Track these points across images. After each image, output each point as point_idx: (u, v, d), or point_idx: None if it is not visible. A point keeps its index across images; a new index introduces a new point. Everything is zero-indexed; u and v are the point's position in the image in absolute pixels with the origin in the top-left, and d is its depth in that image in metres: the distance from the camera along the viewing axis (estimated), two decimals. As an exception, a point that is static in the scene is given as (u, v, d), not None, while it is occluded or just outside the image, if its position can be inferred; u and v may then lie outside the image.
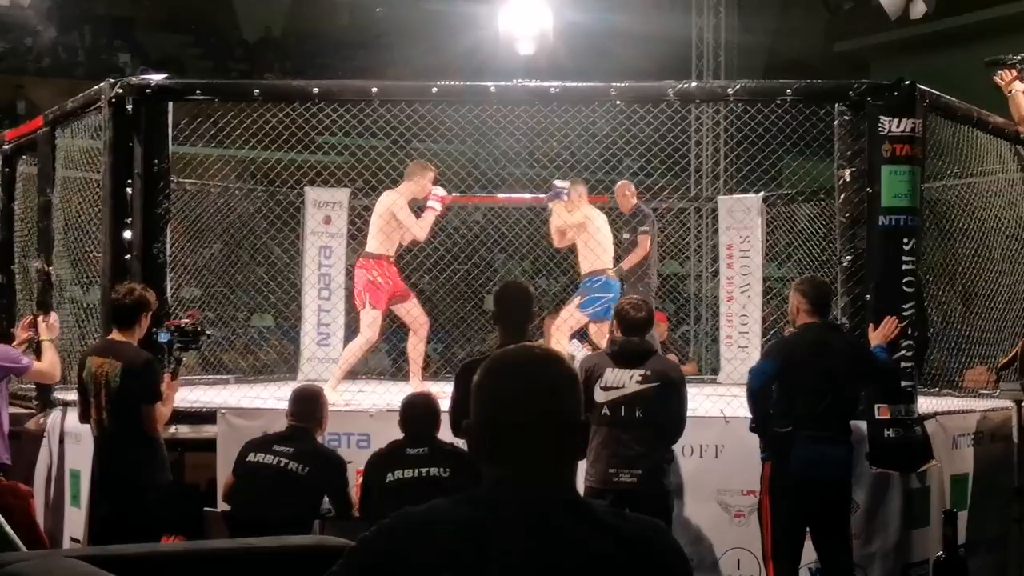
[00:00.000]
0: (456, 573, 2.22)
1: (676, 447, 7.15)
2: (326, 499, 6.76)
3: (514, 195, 12.53)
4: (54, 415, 8.39)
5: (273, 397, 8.51)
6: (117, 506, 6.74)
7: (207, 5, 24.79)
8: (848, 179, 7.56)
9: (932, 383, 9.04)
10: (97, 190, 8.40)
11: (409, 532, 2.29)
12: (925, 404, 7.73)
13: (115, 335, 6.89)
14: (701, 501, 7.45)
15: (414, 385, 8.95)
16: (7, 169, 9.80)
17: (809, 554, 6.76)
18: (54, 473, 8.30)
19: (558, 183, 9.98)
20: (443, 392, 6.81)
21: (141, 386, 6.68)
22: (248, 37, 25.25)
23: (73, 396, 7.41)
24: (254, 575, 3.34)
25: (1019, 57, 8.65)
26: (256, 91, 8.79)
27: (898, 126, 7.36)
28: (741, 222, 11.66)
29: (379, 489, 6.34)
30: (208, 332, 7.62)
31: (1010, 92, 8.52)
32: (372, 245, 9.38)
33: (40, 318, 8.28)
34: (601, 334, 9.55)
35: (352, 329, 10.75)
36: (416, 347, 9.52)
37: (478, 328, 11.94)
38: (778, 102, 8.30)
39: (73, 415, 7.55)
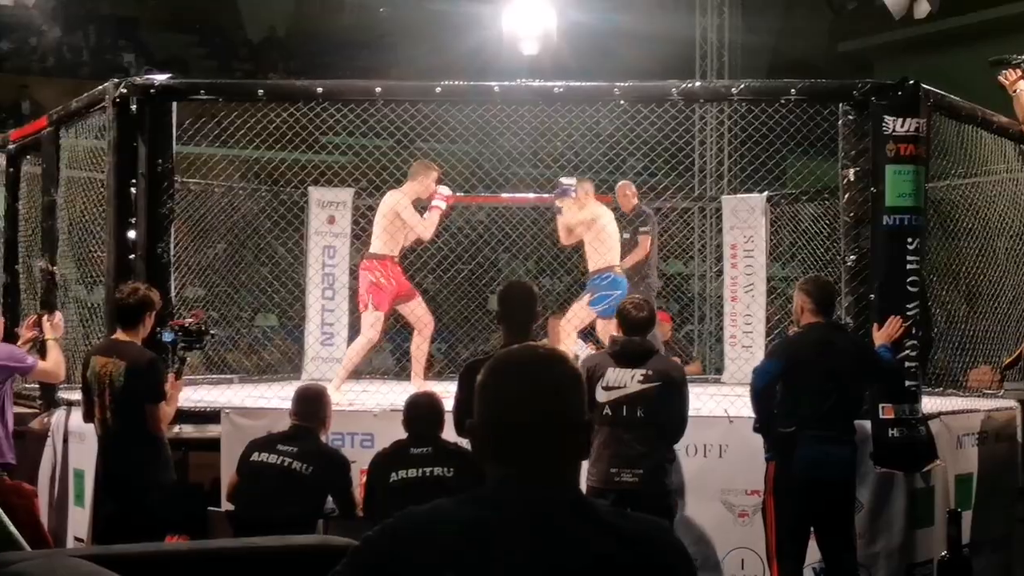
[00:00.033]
0: (460, 573, 2.22)
1: (680, 447, 7.15)
2: (330, 499, 6.77)
3: (518, 195, 12.52)
4: (58, 414, 8.39)
5: (277, 397, 8.52)
6: (121, 505, 6.74)
7: (211, 5, 24.80)
8: (852, 179, 7.56)
9: (936, 383, 9.03)
10: (101, 190, 8.40)
11: (413, 532, 2.28)
12: (929, 404, 7.72)
13: (119, 335, 6.89)
14: (705, 501, 7.45)
15: (417, 385, 8.95)
16: (11, 169, 9.81)
17: (813, 554, 6.75)
18: (58, 472, 8.31)
19: (565, 180, 9.97)
20: (447, 392, 6.80)
21: (145, 386, 6.68)
22: (252, 37, 25.26)
23: (77, 395, 7.42)
24: (258, 575, 3.33)
25: (1023, 57, 8.64)
26: (260, 91, 8.79)
27: (902, 126, 7.36)
28: (745, 222, 11.65)
29: (383, 489, 6.34)
30: (212, 332, 7.62)
31: (1014, 92, 8.49)
32: (376, 245, 9.37)
33: (44, 317, 8.29)
34: (608, 332, 9.55)
35: (356, 329, 10.75)
36: (420, 347, 9.52)
37: (482, 328, 11.94)
38: (782, 102, 8.31)
39: (77, 414, 7.56)
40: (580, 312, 9.96)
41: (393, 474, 6.35)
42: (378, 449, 6.82)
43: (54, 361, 8.00)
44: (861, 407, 7.00)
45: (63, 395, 8.47)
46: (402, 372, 10.72)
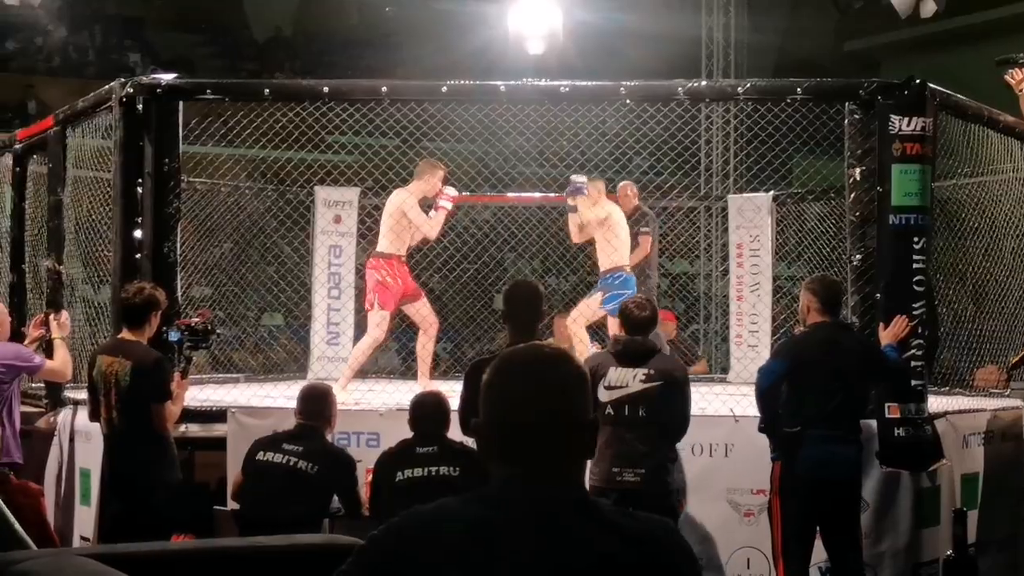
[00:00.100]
0: (465, 572, 2.22)
1: (685, 446, 7.15)
2: (335, 498, 6.77)
3: (524, 194, 12.52)
4: (64, 414, 8.40)
5: (283, 396, 8.52)
6: (127, 505, 6.75)
7: (217, 5, 24.81)
8: (858, 178, 7.55)
9: (943, 382, 9.02)
10: (108, 189, 8.42)
11: (418, 531, 2.29)
12: (935, 403, 7.72)
13: (125, 334, 6.90)
14: (711, 500, 7.45)
15: (423, 384, 8.95)
16: (18, 168, 9.82)
17: (819, 553, 6.75)
18: (64, 472, 8.31)
19: (577, 178, 9.96)
20: (452, 391, 6.81)
21: (151, 385, 6.69)
22: (258, 37, 25.27)
23: (83, 395, 7.43)
24: (264, 574, 3.33)
25: (1030, 56, 8.63)
26: (266, 90, 8.80)
27: (908, 125, 7.36)
28: (751, 221, 11.64)
29: (389, 488, 6.35)
30: (218, 331, 7.64)
31: (1021, 91, 8.49)
32: (383, 244, 9.38)
33: (51, 316, 8.30)
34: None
35: (362, 328, 10.75)
36: (425, 347, 9.52)
37: (488, 327, 11.93)
38: (788, 101, 8.30)
39: (83, 414, 7.57)
40: (589, 308, 9.96)
41: (399, 473, 6.35)
42: (384, 448, 6.83)
43: (61, 360, 8.00)
44: (867, 406, 6.99)
45: (69, 394, 8.48)
46: (408, 371, 10.72)
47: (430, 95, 8.69)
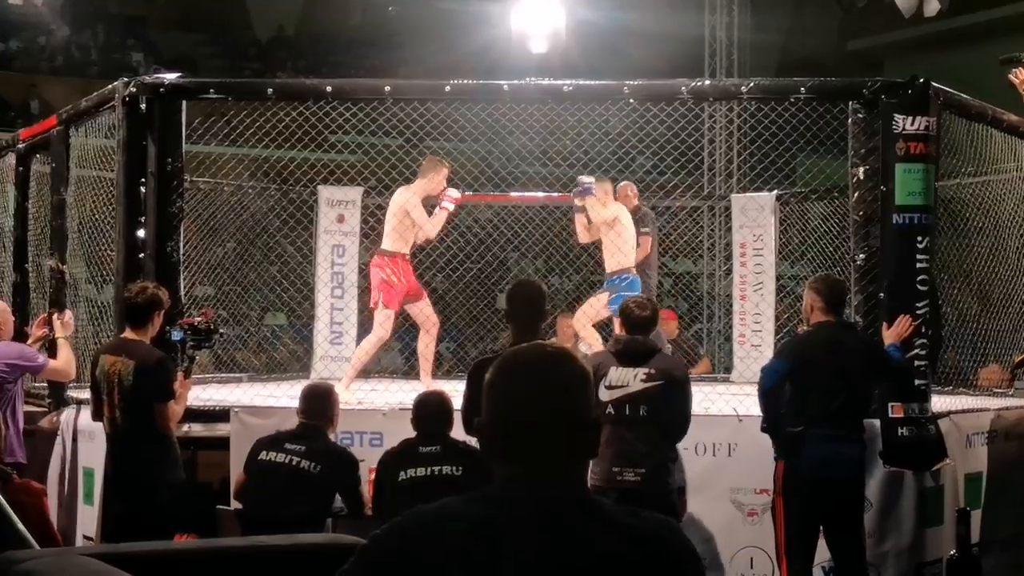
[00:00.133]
0: (468, 571, 2.22)
1: (689, 445, 7.15)
2: (338, 497, 6.77)
3: (527, 193, 12.52)
4: (67, 413, 8.41)
5: (286, 395, 8.51)
6: (130, 504, 6.75)
7: (220, 4, 24.83)
8: (862, 177, 7.55)
9: (946, 382, 9.02)
10: (111, 189, 8.41)
11: (421, 530, 2.28)
12: (939, 403, 7.71)
13: (128, 333, 6.91)
14: (714, 500, 7.44)
15: (426, 384, 8.95)
16: (21, 168, 9.82)
17: (823, 553, 6.74)
18: (67, 471, 8.32)
19: (584, 179, 9.94)
20: (456, 391, 6.81)
21: (154, 384, 6.69)
22: (261, 36, 25.29)
23: (86, 394, 7.42)
24: (267, 573, 3.33)
25: (1033, 55, 8.62)
26: (269, 90, 8.80)
27: (912, 124, 7.35)
28: (755, 220, 11.63)
29: (392, 487, 6.34)
30: (221, 330, 7.63)
31: (1024, 90, 8.49)
32: (387, 242, 9.39)
33: (55, 316, 8.30)
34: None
35: (365, 328, 10.75)
36: (427, 346, 9.52)
37: (491, 326, 11.93)
38: (792, 100, 8.29)
39: (86, 413, 7.57)
40: (594, 308, 9.96)
41: (402, 473, 6.35)
42: (387, 448, 6.83)
43: (64, 360, 8.00)
44: (870, 406, 6.99)
45: (72, 394, 8.48)
46: (411, 371, 10.72)
47: (433, 94, 8.69)
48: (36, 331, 8.41)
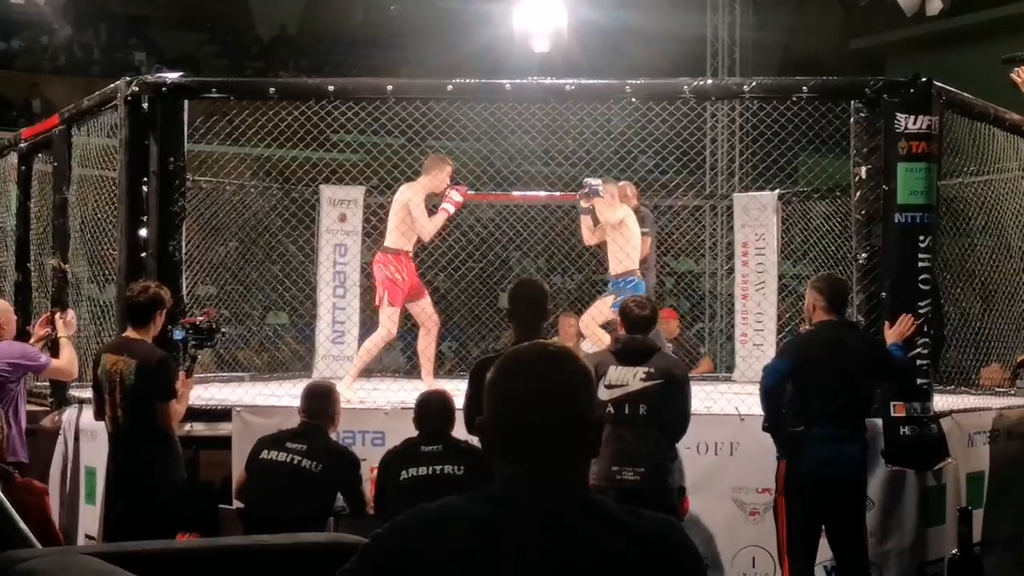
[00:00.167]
0: (469, 570, 2.22)
1: (691, 444, 7.15)
2: (340, 496, 6.77)
3: (529, 193, 12.52)
4: (69, 412, 8.41)
5: (288, 395, 8.50)
6: (132, 503, 6.75)
7: (222, 3, 24.85)
8: (864, 176, 7.54)
9: (948, 381, 9.02)
10: (113, 188, 8.41)
11: (423, 529, 2.28)
12: (941, 402, 7.71)
13: (130, 333, 6.90)
14: (716, 499, 7.44)
15: (428, 383, 8.95)
16: (23, 167, 9.82)
17: (824, 552, 6.74)
18: (69, 470, 8.32)
19: (591, 181, 9.93)
20: (458, 390, 6.81)
21: (156, 383, 6.69)
22: (263, 35, 25.30)
23: (88, 393, 7.42)
24: (269, 572, 3.33)
25: (1036, 54, 8.62)
26: (271, 89, 8.80)
27: (914, 123, 7.35)
28: (756, 219, 11.64)
29: (393, 487, 6.34)
30: (223, 330, 7.62)
31: (1027, 89, 8.48)
32: (390, 239, 9.39)
33: (57, 315, 8.30)
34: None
35: (367, 327, 10.75)
36: (428, 346, 9.52)
37: (493, 326, 11.93)
38: (794, 99, 8.29)
39: (88, 412, 7.57)
40: (600, 310, 9.96)
41: (403, 472, 6.35)
42: (389, 447, 6.83)
43: (67, 359, 8.01)
44: (872, 405, 6.99)
45: (74, 393, 8.48)
46: (413, 370, 10.72)
47: (435, 94, 8.69)
48: (38, 330, 8.40)
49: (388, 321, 9.24)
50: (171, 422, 6.79)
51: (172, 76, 8.18)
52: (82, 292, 9.32)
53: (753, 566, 7.45)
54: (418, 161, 9.97)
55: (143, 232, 7.79)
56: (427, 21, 22.68)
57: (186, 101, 8.02)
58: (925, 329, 7.30)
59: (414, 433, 6.57)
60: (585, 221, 10.20)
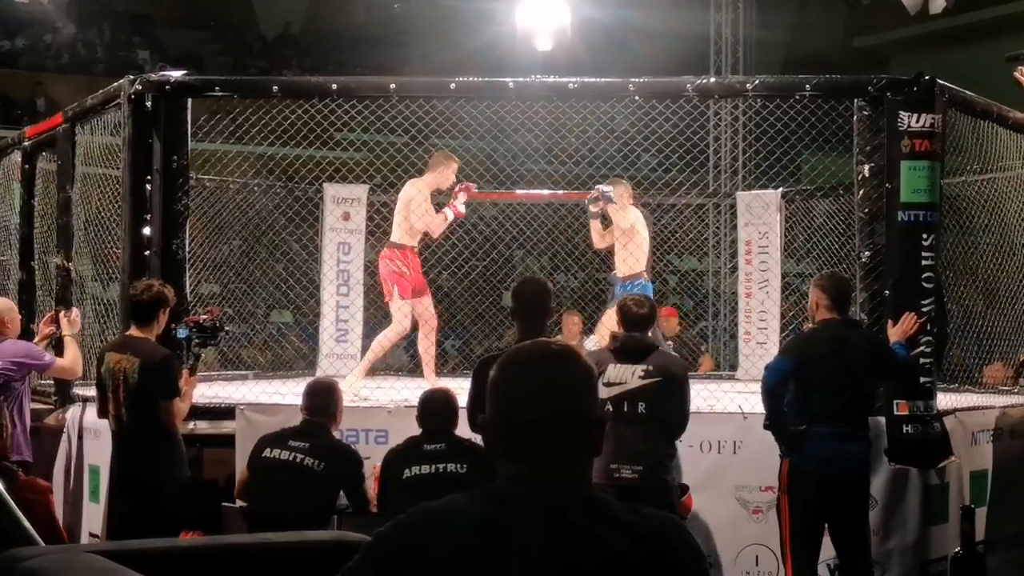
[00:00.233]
0: (472, 569, 2.22)
1: (694, 443, 7.15)
2: (342, 495, 6.77)
3: (532, 191, 12.52)
4: (73, 411, 8.41)
5: (292, 393, 8.51)
6: (135, 502, 6.76)
7: (226, 2, 24.87)
8: (867, 175, 7.54)
9: (951, 379, 9.01)
10: (117, 186, 8.42)
11: (425, 527, 2.28)
12: (944, 400, 7.71)
13: (133, 331, 6.91)
14: (719, 497, 7.44)
15: (430, 382, 8.95)
16: (27, 165, 9.82)
17: (827, 550, 6.74)
18: (73, 468, 8.32)
19: (603, 188, 9.91)
20: (461, 388, 6.81)
21: (159, 382, 6.70)
22: (266, 34, 25.31)
23: (92, 392, 7.43)
24: (273, 570, 3.33)
25: (1039, 53, 8.61)
26: (275, 87, 8.80)
27: (917, 121, 7.34)
28: (760, 218, 11.64)
29: (396, 485, 6.35)
30: (226, 328, 7.63)
31: (1030, 87, 8.48)
32: (396, 235, 9.40)
33: (61, 313, 8.31)
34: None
35: (371, 325, 10.76)
36: (428, 348, 9.52)
37: (496, 324, 11.94)
38: (797, 97, 8.28)
39: (92, 411, 7.58)
40: (614, 316, 9.97)
41: (407, 470, 6.35)
42: (392, 445, 6.83)
43: (71, 358, 8.01)
44: (875, 403, 6.99)
45: (78, 391, 8.49)
46: (416, 368, 10.72)
47: (438, 92, 8.69)
48: (43, 329, 8.41)
49: (400, 315, 9.25)
50: (174, 420, 6.80)
51: (176, 74, 8.18)
52: (86, 290, 9.32)
53: (756, 564, 7.45)
54: (421, 159, 9.98)
55: (147, 230, 7.80)
56: (430, 19, 22.68)
57: (190, 99, 8.03)
58: (928, 327, 7.29)
59: (417, 431, 6.58)
60: (594, 225, 10.21)
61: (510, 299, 6.74)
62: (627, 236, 9.89)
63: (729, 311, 13.55)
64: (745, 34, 16.20)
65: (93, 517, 7.94)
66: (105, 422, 7.06)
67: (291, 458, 6.61)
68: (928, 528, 7.25)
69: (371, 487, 6.82)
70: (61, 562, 2.99)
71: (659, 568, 2.28)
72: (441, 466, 6.30)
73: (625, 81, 8.18)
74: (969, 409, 8.03)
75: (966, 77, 9.36)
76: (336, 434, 6.98)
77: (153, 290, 6.90)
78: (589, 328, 11.49)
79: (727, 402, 7.96)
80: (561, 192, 12.26)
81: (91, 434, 8.00)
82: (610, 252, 10.50)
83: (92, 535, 7.90)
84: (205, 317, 7.18)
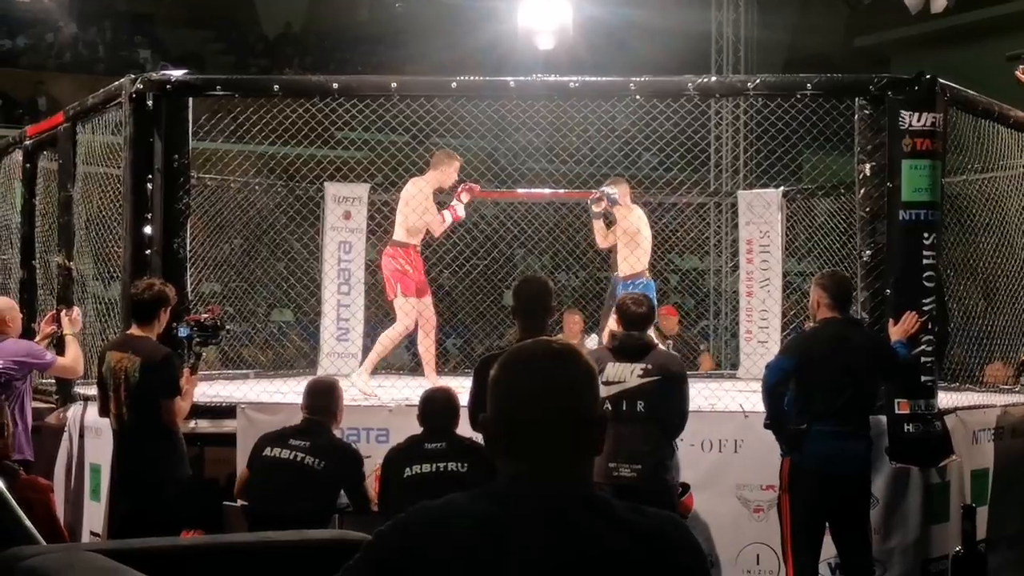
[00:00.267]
0: (473, 567, 2.22)
1: (695, 441, 7.15)
2: (343, 494, 6.77)
3: (534, 190, 12.52)
4: (74, 409, 8.42)
5: (293, 392, 8.51)
6: (136, 501, 6.76)
7: (227, 1, 24.87)
8: (868, 173, 7.54)
9: (952, 378, 9.01)
10: (118, 185, 8.43)
11: (426, 526, 2.28)
12: (945, 399, 7.71)
13: (134, 330, 6.91)
14: (720, 496, 7.44)
15: (431, 381, 8.96)
16: (28, 164, 9.83)
17: (828, 549, 6.74)
18: (74, 467, 8.32)
19: (608, 190, 9.91)
20: (462, 387, 6.81)
21: (160, 381, 6.70)
22: (268, 33, 25.32)
23: (93, 391, 7.44)
24: (274, 569, 3.33)
25: (1040, 52, 8.61)
26: (276, 86, 8.80)
27: (918, 120, 7.34)
28: (761, 217, 11.64)
29: (397, 484, 6.35)
30: (227, 327, 7.63)
31: (1031, 86, 8.48)
32: (399, 234, 9.39)
33: (63, 312, 8.31)
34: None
35: (372, 324, 10.76)
36: (428, 348, 9.52)
37: (497, 323, 11.94)
38: (798, 96, 8.29)
39: (93, 409, 7.58)
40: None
41: (407, 469, 6.35)
42: (393, 444, 6.83)
43: (72, 357, 8.01)
44: (876, 402, 6.98)
45: (80, 390, 8.49)
46: (417, 367, 10.73)
47: (439, 91, 8.69)
48: (44, 328, 8.41)
49: (404, 313, 9.25)
50: (175, 419, 6.80)
51: (177, 73, 8.18)
52: (87, 289, 9.32)
53: (757, 563, 7.45)
54: (422, 158, 9.98)
55: (148, 229, 7.80)
56: (431, 18, 22.68)
57: (191, 98, 8.03)
58: (929, 326, 7.29)
59: (418, 430, 6.58)
60: (598, 225, 10.22)
61: (511, 298, 6.75)
62: (632, 236, 9.90)
63: (730, 310, 13.55)
64: (746, 33, 16.20)
65: (94, 516, 7.95)
66: (106, 421, 7.06)
67: (292, 457, 6.61)
68: (929, 527, 7.25)
69: (372, 486, 6.82)
70: (62, 561, 2.99)
71: (660, 567, 2.28)
72: (442, 465, 6.30)
73: (626, 80, 8.18)
74: (970, 408, 8.03)
75: (967, 76, 9.36)
76: (337, 433, 6.98)
77: (154, 289, 6.90)
78: (590, 327, 11.50)
79: (728, 401, 7.96)
80: (562, 191, 12.25)
81: (92, 433, 8.00)
82: (611, 251, 10.51)
83: (93, 534, 7.90)
84: (206, 316, 7.18)
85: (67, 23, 20.94)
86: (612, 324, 9.91)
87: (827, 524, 6.64)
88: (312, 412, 6.83)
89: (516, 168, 12.43)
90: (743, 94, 9.91)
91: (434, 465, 6.30)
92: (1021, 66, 8.28)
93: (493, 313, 11.92)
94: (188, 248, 8.02)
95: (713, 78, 12.11)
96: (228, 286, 11.19)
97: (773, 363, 6.82)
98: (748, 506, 7.45)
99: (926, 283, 7.31)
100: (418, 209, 9.25)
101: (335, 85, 8.36)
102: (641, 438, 6.54)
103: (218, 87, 8.43)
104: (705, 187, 14.47)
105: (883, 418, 7.16)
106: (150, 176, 7.81)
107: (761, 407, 6.85)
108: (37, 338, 8.28)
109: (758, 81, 8.27)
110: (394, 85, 8.29)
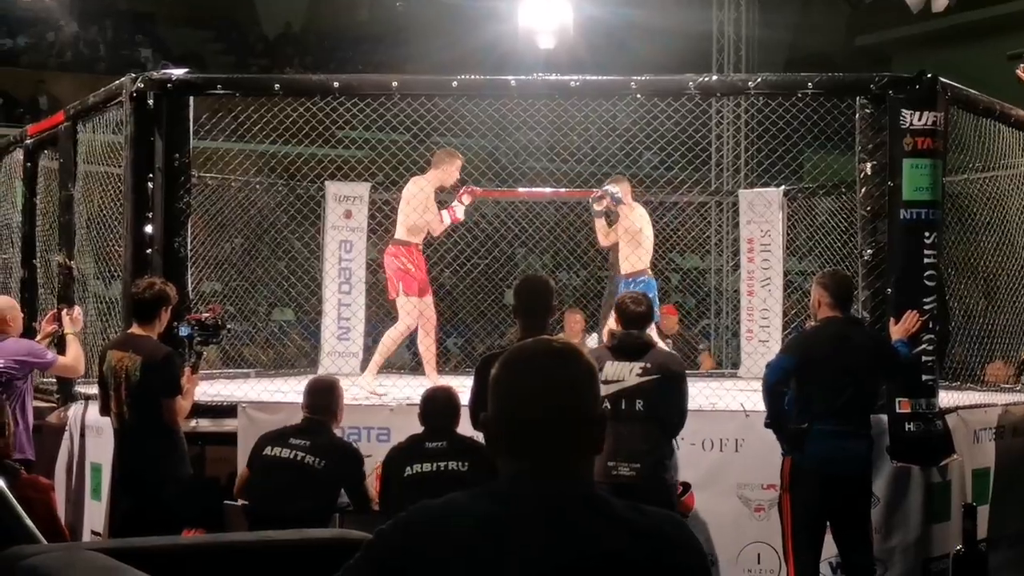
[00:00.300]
0: (473, 567, 2.22)
1: (696, 440, 7.15)
2: (344, 493, 6.77)
3: (534, 189, 12.52)
4: (75, 408, 8.41)
5: (293, 391, 8.50)
6: (137, 500, 6.76)
7: (227, 1, 24.86)
8: (869, 172, 7.54)
9: (953, 377, 9.01)
10: (118, 185, 8.43)
11: (426, 526, 2.28)
12: (946, 398, 7.71)
13: (135, 329, 6.91)
14: (721, 495, 7.44)
15: (432, 380, 8.95)
16: (29, 164, 9.83)
17: (829, 548, 6.74)
18: (75, 466, 8.33)
19: (611, 189, 9.91)
20: (463, 386, 6.81)
21: (161, 380, 6.70)
22: (268, 32, 25.32)
23: (94, 390, 7.44)
24: (275, 568, 3.33)
25: (1041, 51, 8.61)
26: (277, 85, 8.79)
27: (919, 119, 7.33)
28: (762, 216, 11.64)
29: (398, 483, 6.35)
30: (228, 326, 7.63)
31: (1032, 85, 8.48)
32: (400, 232, 9.39)
33: (64, 311, 8.31)
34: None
35: (373, 323, 10.75)
36: (428, 348, 9.52)
37: (498, 322, 11.94)
38: (799, 95, 8.28)
39: (94, 408, 7.58)
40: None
41: (408, 468, 6.35)
42: (394, 443, 6.83)
43: (73, 356, 8.01)
44: (877, 401, 6.98)
45: (80, 389, 8.49)
46: (418, 366, 10.73)
47: (440, 90, 8.69)
48: (45, 327, 8.41)
49: (406, 311, 9.25)
50: (176, 418, 6.80)
51: (177, 72, 8.18)
52: (88, 288, 9.32)
53: (758, 562, 7.45)
54: (423, 157, 9.98)
55: (148, 228, 7.80)
56: (432, 17, 22.68)
57: (191, 98, 8.03)
58: (930, 325, 7.29)
59: (419, 429, 6.58)
60: (599, 224, 10.23)
61: (512, 297, 6.75)
62: (633, 234, 9.90)
63: (731, 309, 13.54)
64: (747, 33, 16.20)
65: (95, 515, 7.95)
66: (107, 420, 7.06)
67: (292, 456, 6.61)
68: (930, 526, 7.25)
69: (372, 485, 6.82)
70: (63, 560, 2.99)
71: (660, 566, 2.28)
72: (443, 464, 6.30)
73: (627, 79, 8.18)
74: (971, 407, 8.03)
75: (968, 75, 9.36)
76: (337, 432, 6.98)
77: (155, 288, 6.90)
78: (591, 326, 11.50)
79: (729, 400, 7.96)
80: (563, 190, 12.24)
81: (93, 432, 8.00)
82: (611, 250, 10.51)
83: (94, 533, 7.90)
84: (207, 315, 7.18)
85: (68, 22, 20.95)
86: (611, 323, 9.97)
87: (828, 523, 6.64)
88: (312, 411, 6.83)
89: (517, 167, 12.43)
90: (744, 93, 9.92)
91: (435, 464, 6.30)
92: (1022, 65, 8.28)
93: (494, 312, 11.92)
94: (189, 247, 8.02)
95: (714, 77, 12.13)
96: (229, 285, 11.19)
97: (774, 362, 6.82)
98: (749, 505, 7.45)
99: (927, 282, 7.31)
100: (419, 208, 9.25)
101: (336, 84, 8.35)
102: (640, 437, 6.54)
103: (219, 86, 8.43)
104: (706, 186, 14.47)
105: (884, 417, 7.15)
106: (151, 175, 7.81)
107: (762, 406, 6.85)
108: (38, 337, 8.28)
109: (759, 80, 8.27)
110: (395, 84, 8.28)
